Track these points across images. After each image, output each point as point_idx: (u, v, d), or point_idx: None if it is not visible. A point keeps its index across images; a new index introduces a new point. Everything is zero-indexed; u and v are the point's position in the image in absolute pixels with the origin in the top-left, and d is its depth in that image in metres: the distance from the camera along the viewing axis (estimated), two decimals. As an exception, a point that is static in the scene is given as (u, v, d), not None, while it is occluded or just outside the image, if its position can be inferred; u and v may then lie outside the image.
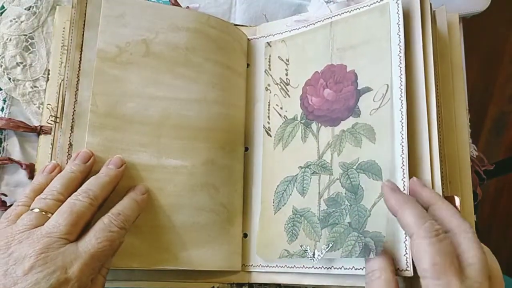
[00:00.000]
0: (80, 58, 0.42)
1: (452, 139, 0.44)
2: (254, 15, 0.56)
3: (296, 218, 0.43)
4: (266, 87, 0.49)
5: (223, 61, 0.47)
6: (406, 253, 0.36)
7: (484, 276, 0.32)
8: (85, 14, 0.43)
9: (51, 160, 0.42)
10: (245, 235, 0.46)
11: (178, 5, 0.52)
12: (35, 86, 0.50)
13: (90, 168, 0.40)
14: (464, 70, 0.50)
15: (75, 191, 0.38)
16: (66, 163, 0.40)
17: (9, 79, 0.49)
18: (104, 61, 0.43)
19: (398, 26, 0.41)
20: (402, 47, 0.40)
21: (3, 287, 0.32)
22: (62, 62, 0.48)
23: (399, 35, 0.41)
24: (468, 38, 0.57)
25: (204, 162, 0.44)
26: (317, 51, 0.46)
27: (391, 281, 0.34)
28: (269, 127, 0.48)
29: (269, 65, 0.49)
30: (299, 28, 0.48)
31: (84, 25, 0.43)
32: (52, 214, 0.36)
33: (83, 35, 0.43)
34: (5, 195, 0.47)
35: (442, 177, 0.40)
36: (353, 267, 0.39)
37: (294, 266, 0.42)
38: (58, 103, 0.43)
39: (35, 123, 0.49)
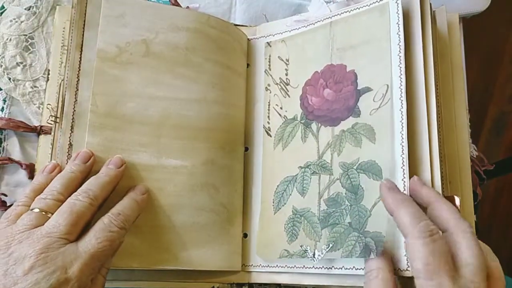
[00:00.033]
0: (80, 58, 0.42)
1: (452, 139, 0.44)
2: (254, 15, 0.56)
3: (296, 218, 0.43)
4: (266, 87, 0.49)
5: (223, 61, 0.47)
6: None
7: (480, 277, 0.32)
8: (85, 14, 0.43)
9: (51, 160, 0.42)
10: (245, 235, 0.46)
11: (178, 5, 0.52)
12: (35, 86, 0.50)
13: (90, 168, 0.40)
14: (464, 70, 0.50)
15: (75, 191, 0.38)
16: (66, 163, 0.40)
17: (9, 79, 0.49)
18: (104, 61, 0.43)
19: (398, 26, 0.41)
20: (402, 47, 0.40)
21: (3, 287, 0.32)
22: (62, 62, 0.48)
23: (399, 35, 0.41)
24: (468, 38, 0.57)
25: (204, 162, 0.44)
26: (317, 51, 0.46)
27: (388, 281, 0.34)
28: (269, 127, 0.48)
29: (269, 65, 0.49)
30: (299, 28, 0.48)
31: (84, 25, 0.43)
32: (52, 214, 0.36)
33: (83, 35, 0.43)
34: (5, 195, 0.47)
35: (442, 177, 0.40)
36: (354, 267, 0.39)
37: (295, 266, 0.42)
38: (58, 103, 0.43)
39: (35, 123, 0.49)
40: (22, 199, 0.38)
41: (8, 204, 0.46)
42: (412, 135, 0.39)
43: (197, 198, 0.43)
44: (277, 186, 0.45)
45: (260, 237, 0.45)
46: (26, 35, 0.50)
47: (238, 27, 0.50)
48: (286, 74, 0.48)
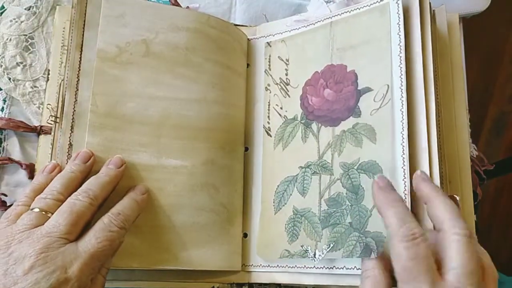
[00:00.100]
0: (80, 58, 0.42)
1: (452, 139, 0.44)
2: (254, 15, 0.56)
3: (296, 218, 0.43)
4: (266, 87, 0.49)
5: (223, 61, 0.47)
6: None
7: (468, 281, 0.31)
8: (85, 14, 0.43)
9: (51, 160, 0.42)
10: (245, 235, 0.46)
11: (178, 5, 0.52)
12: (35, 86, 0.50)
13: (90, 168, 0.40)
14: (464, 70, 0.50)
15: (75, 191, 0.38)
16: (66, 163, 0.40)
17: (9, 79, 0.49)
18: (104, 61, 0.42)
19: (399, 26, 0.41)
20: (403, 47, 0.40)
21: (3, 287, 0.32)
22: (62, 62, 0.48)
23: (399, 35, 0.41)
24: (468, 38, 0.57)
25: (204, 162, 0.44)
26: (317, 51, 0.46)
27: (380, 281, 0.34)
28: (269, 127, 0.48)
29: (269, 65, 0.49)
30: (299, 28, 0.48)
31: (84, 25, 0.43)
32: (52, 214, 0.36)
33: (83, 35, 0.43)
34: (5, 195, 0.47)
35: (442, 177, 0.39)
36: (355, 267, 0.39)
37: (295, 266, 0.42)
38: (58, 103, 0.43)
39: (35, 123, 0.49)
40: (22, 199, 0.38)
41: (8, 204, 0.46)
42: (412, 135, 0.39)
43: (197, 198, 0.43)
44: (278, 186, 0.45)
45: (261, 237, 0.45)
46: (26, 35, 0.50)
47: (238, 27, 0.50)
48: (286, 74, 0.48)
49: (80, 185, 0.38)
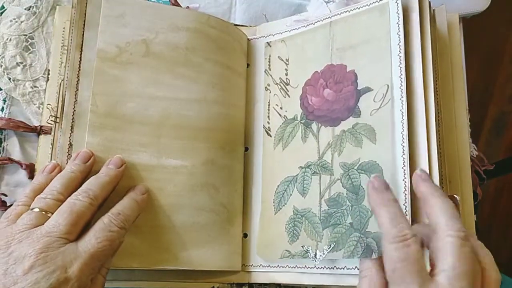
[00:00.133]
0: (80, 58, 0.42)
1: (452, 139, 0.44)
2: (254, 15, 0.56)
3: (297, 218, 0.43)
4: (266, 87, 0.49)
5: (223, 61, 0.47)
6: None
7: (458, 283, 0.30)
8: (85, 14, 0.43)
9: (51, 160, 0.42)
10: (245, 235, 0.46)
11: (178, 5, 0.52)
12: (35, 86, 0.50)
13: (90, 168, 0.40)
14: (464, 70, 0.50)
15: (75, 191, 0.38)
16: (66, 163, 0.40)
17: (9, 79, 0.49)
18: (104, 61, 0.42)
19: (398, 26, 0.41)
20: (402, 47, 0.40)
21: (3, 287, 0.32)
22: (62, 62, 0.48)
23: (399, 35, 0.41)
24: (468, 38, 0.57)
25: (204, 162, 0.44)
26: (316, 51, 0.46)
27: (377, 281, 0.34)
28: (269, 127, 0.48)
29: (269, 65, 0.49)
30: (299, 28, 0.48)
31: (84, 25, 0.43)
32: (52, 213, 0.36)
33: (83, 35, 0.43)
34: (5, 195, 0.47)
35: (442, 177, 0.39)
36: (356, 267, 0.39)
37: (296, 266, 0.42)
38: (58, 103, 0.43)
39: (35, 123, 0.49)
40: (22, 199, 0.38)
41: (8, 204, 0.46)
42: (412, 135, 0.39)
43: (197, 198, 0.43)
44: (278, 186, 0.45)
45: (261, 237, 0.45)
46: (26, 35, 0.50)
47: (238, 27, 0.50)
48: (286, 74, 0.48)
49: (80, 185, 0.38)
